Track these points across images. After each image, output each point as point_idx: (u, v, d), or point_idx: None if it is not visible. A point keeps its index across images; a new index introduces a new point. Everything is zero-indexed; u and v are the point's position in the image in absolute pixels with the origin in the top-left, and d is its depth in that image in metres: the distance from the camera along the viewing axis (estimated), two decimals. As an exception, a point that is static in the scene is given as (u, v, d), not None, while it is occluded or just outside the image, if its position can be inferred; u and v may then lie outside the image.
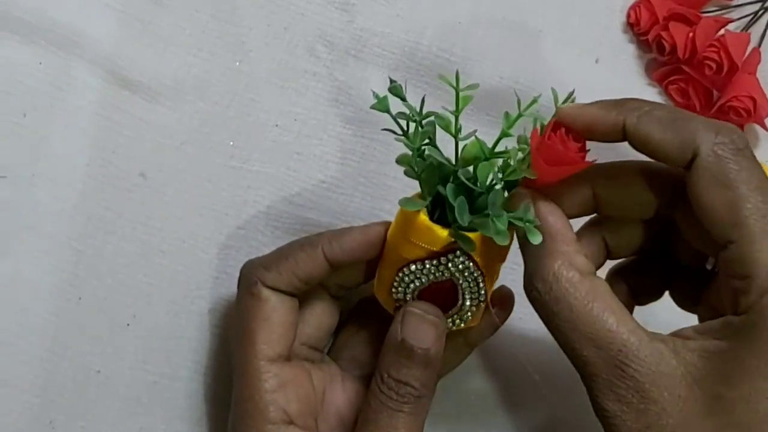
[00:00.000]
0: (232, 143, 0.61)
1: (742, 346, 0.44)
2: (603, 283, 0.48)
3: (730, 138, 0.45)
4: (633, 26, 0.70)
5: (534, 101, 0.50)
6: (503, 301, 0.56)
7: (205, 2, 0.61)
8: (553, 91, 0.50)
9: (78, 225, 0.58)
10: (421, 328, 0.51)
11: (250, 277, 0.54)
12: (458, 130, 0.50)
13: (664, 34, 0.68)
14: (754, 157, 0.46)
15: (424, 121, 0.50)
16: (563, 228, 0.49)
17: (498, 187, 0.50)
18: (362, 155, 0.63)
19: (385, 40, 0.63)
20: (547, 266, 0.47)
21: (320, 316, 0.56)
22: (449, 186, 0.50)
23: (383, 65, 0.63)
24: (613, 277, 0.56)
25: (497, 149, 0.51)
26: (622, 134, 0.48)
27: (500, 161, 0.51)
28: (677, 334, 0.47)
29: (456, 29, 0.64)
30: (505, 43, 0.65)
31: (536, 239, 0.48)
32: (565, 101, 0.50)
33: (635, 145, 0.48)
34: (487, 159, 0.50)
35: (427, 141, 0.50)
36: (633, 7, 0.70)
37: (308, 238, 0.54)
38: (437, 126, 0.50)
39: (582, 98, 0.64)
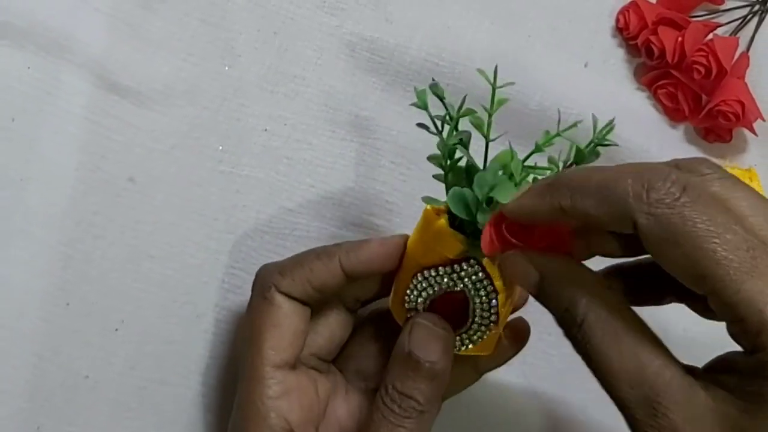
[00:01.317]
0: (221, 148, 0.61)
1: (760, 383, 0.42)
2: (633, 314, 0.45)
3: (665, 190, 0.42)
4: (622, 30, 0.70)
5: (574, 125, 0.50)
6: (517, 332, 0.55)
7: (195, 7, 0.61)
8: (594, 118, 0.50)
9: (67, 229, 0.58)
10: (428, 340, 0.51)
11: (265, 281, 0.54)
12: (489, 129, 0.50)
13: (653, 38, 0.68)
14: (697, 188, 0.42)
15: (458, 129, 0.50)
16: (574, 265, 0.47)
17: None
18: (352, 160, 0.63)
19: (374, 45, 0.63)
20: (576, 308, 0.45)
21: (333, 328, 0.56)
22: (454, 189, 0.49)
23: (372, 69, 0.64)
24: (610, 274, 0.53)
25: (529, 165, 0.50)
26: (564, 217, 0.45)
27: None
28: (708, 368, 0.45)
29: (445, 34, 0.64)
30: (494, 48, 0.65)
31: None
32: (605, 128, 0.50)
33: (581, 224, 0.46)
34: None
35: (459, 141, 0.50)
36: (622, 12, 0.70)
37: (326, 247, 0.54)
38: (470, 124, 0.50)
39: (570, 102, 0.65)
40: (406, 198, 0.63)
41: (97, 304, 0.58)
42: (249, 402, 0.52)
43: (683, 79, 0.67)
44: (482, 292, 0.51)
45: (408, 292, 0.52)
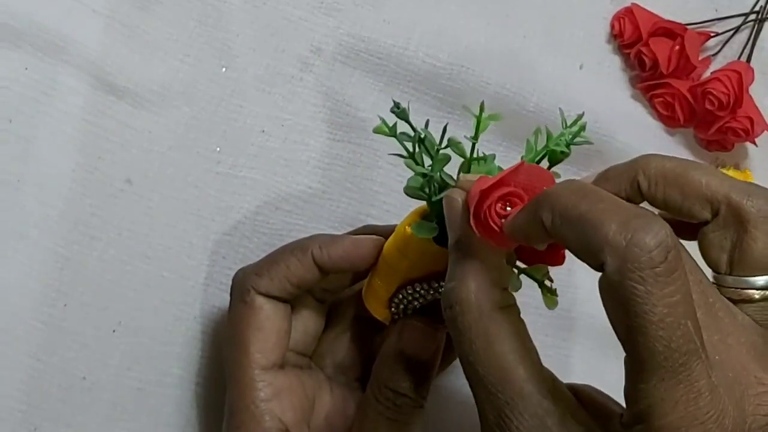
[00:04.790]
0: (218, 149, 0.61)
1: None
2: (516, 320, 0.44)
3: (646, 255, 0.37)
4: (617, 37, 0.70)
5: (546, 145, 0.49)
6: None
7: (192, 8, 0.61)
8: (560, 111, 0.50)
9: (64, 231, 0.58)
10: (422, 340, 0.51)
11: (243, 285, 0.54)
12: (472, 157, 0.48)
13: (644, 50, 0.68)
14: (675, 262, 0.38)
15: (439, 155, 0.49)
16: (489, 251, 0.45)
17: None
18: (349, 161, 0.63)
19: (371, 46, 0.63)
20: (465, 288, 0.44)
21: (306, 321, 0.56)
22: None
23: (370, 70, 0.64)
24: None
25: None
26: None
27: None
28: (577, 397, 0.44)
29: (442, 35, 0.64)
30: (491, 49, 0.65)
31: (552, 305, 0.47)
32: (574, 123, 0.49)
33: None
34: None
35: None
36: (617, 17, 0.70)
37: (299, 242, 0.54)
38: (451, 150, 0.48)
39: (567, 104, 0.65)
40: (404, 199, 0.61)
41: (93, 306, 0.58)
42: (242, 407, 0.52)
43: (679, 87, 0.67)
44: None
45: (395, 301, 0.52)
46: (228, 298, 0.59)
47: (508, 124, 0.65)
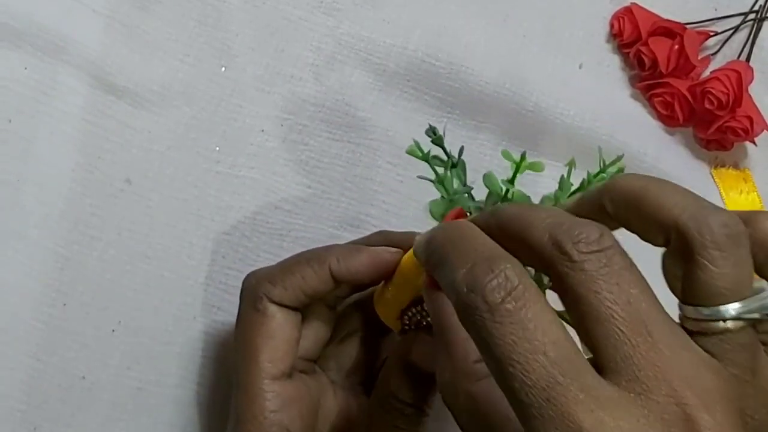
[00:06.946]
0: (218, 149, 0.61)
1: None
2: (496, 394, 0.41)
3: (482, 299, 0.35)
4: (616, 36, 0.70)
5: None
6: None
7: (192, 8, 0.61)
8: (599, 150, 0.50)
9: (63, 230, 0.58)
10: (431, 354, 0.51)
11: (255, 292, 0.52)
12: (506, 197, 0.48)
13: (643, 49, 0.68)
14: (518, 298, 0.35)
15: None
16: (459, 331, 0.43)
17: None
18: (348, 160, 0.63)
19: (371, 45, 0.63)
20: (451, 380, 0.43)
21: (317, 329, 0.55)
22: None
23: (369, 70, 0.64)
24: None
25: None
26: None
27: None
28: None
29: (442, 34, 0.64)
30: (491, 49, 0.65)
31: None
32: (612, 164, 0.49)
33: None
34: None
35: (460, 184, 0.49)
36: (616, 17, 0.70)
37: (315, 252, 0.53)
38: (484, 184, 0.49)
39: (566, 103, 0.65)
40: (403, 199, 0.63)
41: (93, 305, 0.58)
42: (250, 417, 0.52)
43: (679, 87, 0.67)
44: None
45: (410, 314, 0.52)
46: (228, 297, 0.60)
47: (508, 123, 0.65)
